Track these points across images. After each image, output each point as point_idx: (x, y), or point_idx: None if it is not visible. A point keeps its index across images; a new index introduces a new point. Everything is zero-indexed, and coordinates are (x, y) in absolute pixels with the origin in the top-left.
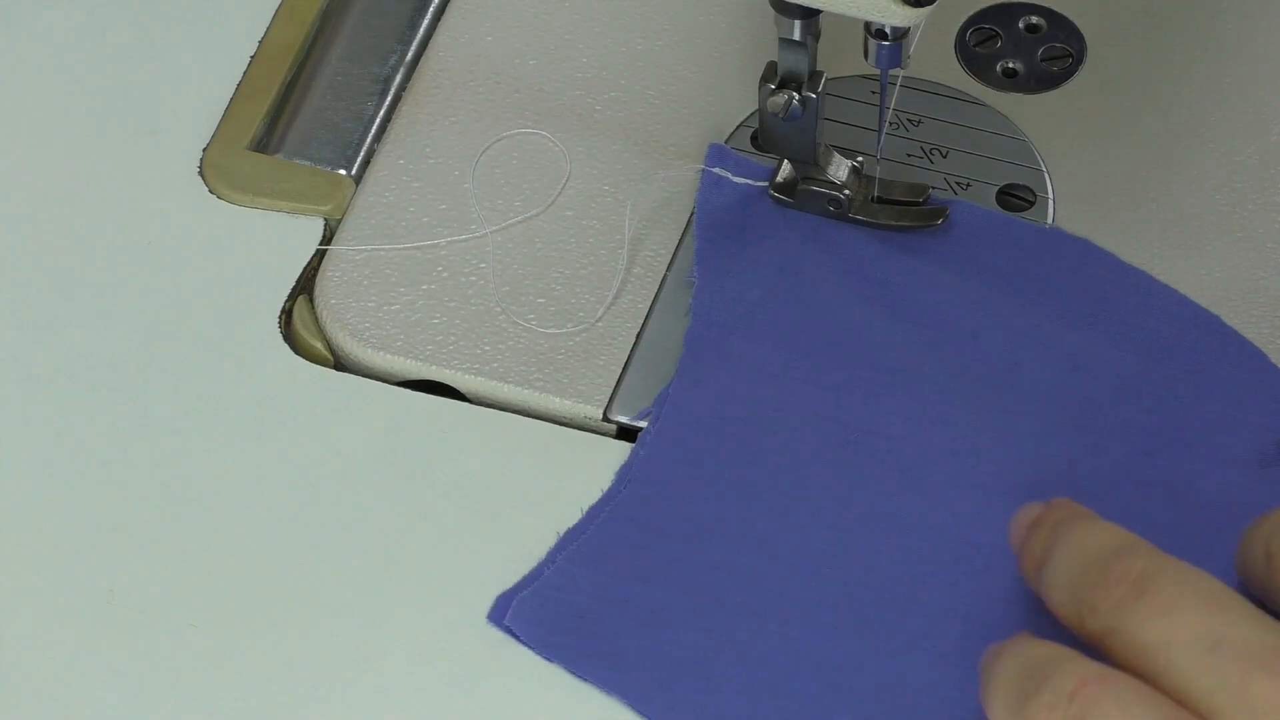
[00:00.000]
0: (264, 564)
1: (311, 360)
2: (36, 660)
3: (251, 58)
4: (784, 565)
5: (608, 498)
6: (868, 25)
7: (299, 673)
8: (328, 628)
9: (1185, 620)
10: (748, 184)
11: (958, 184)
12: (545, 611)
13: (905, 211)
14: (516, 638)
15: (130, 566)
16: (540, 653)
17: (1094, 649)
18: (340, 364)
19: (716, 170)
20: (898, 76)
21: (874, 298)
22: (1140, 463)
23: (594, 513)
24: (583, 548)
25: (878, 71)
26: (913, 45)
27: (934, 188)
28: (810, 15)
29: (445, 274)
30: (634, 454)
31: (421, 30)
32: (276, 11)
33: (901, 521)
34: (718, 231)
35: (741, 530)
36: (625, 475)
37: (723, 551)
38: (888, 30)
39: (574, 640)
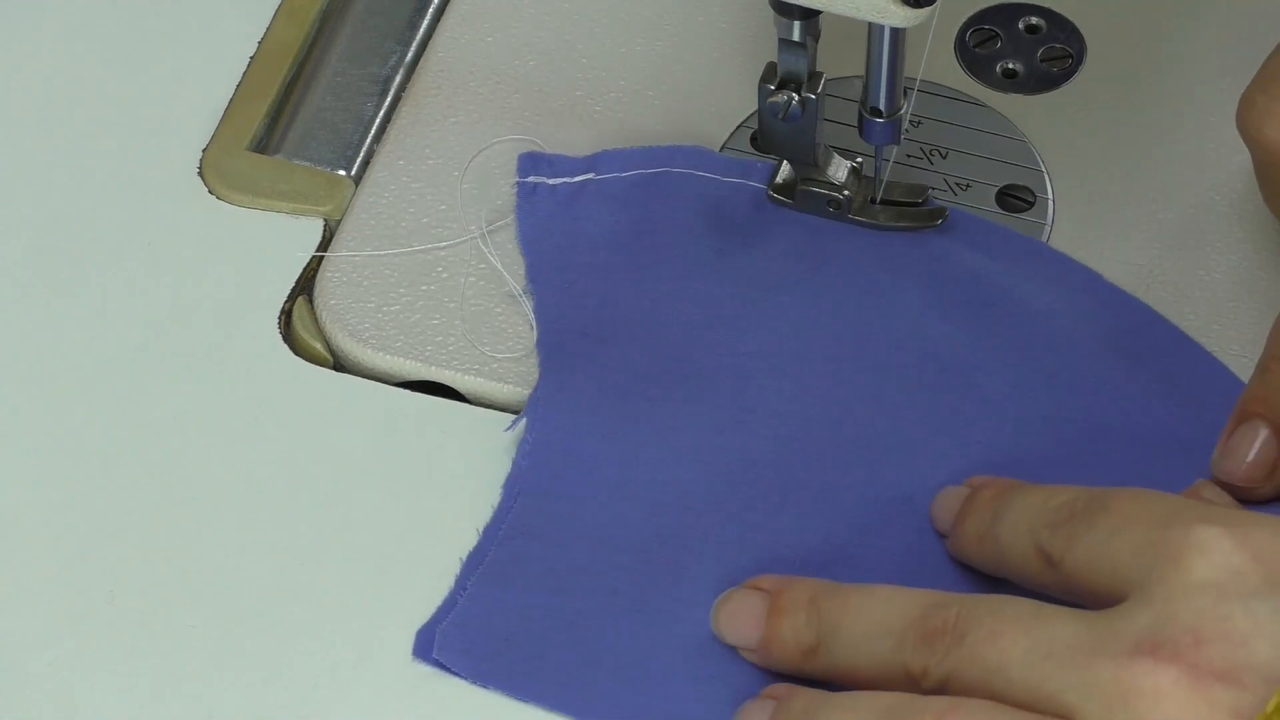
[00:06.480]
0: (264, 564)
1: (311, 361)
2: (36, 660)
3: (251, 58)
4: (692, 551)
5: (501, 514)
6: (863, 101)
7: (299, 672)
8: (327, 628)
9: (1012, 640)
10: (565, 183)
11: (958, 185)
12: (469, 640)
13: (904, 212)
14: (448, 670)
15: (130, 567)
16: (474, 682)
17: None
18: (340, 365)
19: (531, 180)
20: (891, 153)
21: (721, 281)
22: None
23: (491, 532)
24: (489, 570)
25: None
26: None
27: (933, 189)
28: (810, 16)
29: (445, 275)
30: (516, 465)
31: (421, 31)
32: (276, 11)
33: (794, 493)
34: (546, 241)
35: (643, 525)
36: (512, 488)
37: (630, 550)
38: (882, 107)
39: (506, 663)
